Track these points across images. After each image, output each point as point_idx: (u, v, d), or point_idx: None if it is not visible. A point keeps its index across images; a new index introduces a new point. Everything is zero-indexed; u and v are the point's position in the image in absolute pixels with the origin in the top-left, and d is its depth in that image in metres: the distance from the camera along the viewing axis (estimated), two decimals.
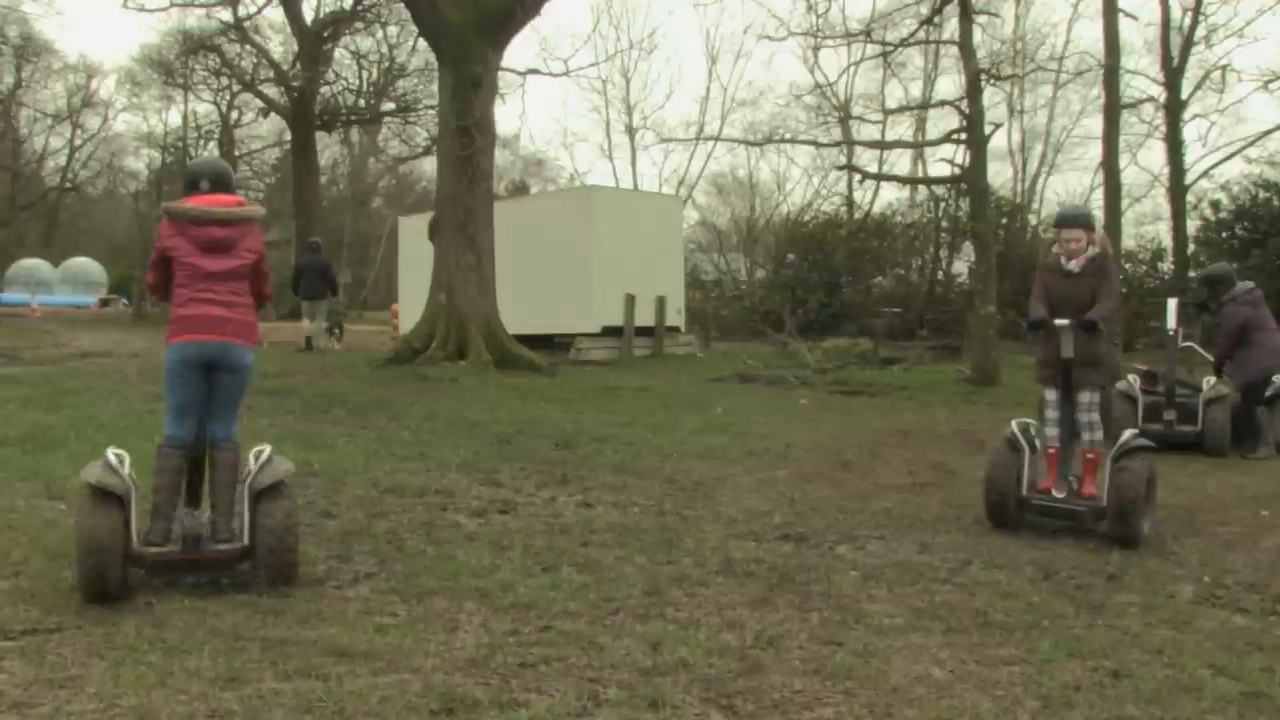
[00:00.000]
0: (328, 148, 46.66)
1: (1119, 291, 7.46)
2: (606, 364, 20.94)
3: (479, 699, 3.88)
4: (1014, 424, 7.32)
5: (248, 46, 38.73)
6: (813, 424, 12.73)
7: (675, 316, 24.26)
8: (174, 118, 56.96)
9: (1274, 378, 10.85)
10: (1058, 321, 7.08)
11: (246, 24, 37.42)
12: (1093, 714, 3.93)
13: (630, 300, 22.09)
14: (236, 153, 47.29)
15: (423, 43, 28.70)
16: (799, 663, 4.39)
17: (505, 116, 46.22)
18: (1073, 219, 7.24)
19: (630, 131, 48.90)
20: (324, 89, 39.34)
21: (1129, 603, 5.40)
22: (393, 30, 38.47)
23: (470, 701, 3.86)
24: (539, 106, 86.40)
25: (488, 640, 4.54)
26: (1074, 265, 7.13)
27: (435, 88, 24.48)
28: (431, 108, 36.24)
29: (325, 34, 37.81)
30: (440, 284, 18.68)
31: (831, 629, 4.85)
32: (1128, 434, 7.12)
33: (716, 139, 39.98)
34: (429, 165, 44.02)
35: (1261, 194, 25.90)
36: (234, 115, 47.24)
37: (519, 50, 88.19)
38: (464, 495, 7.65)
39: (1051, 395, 7.28)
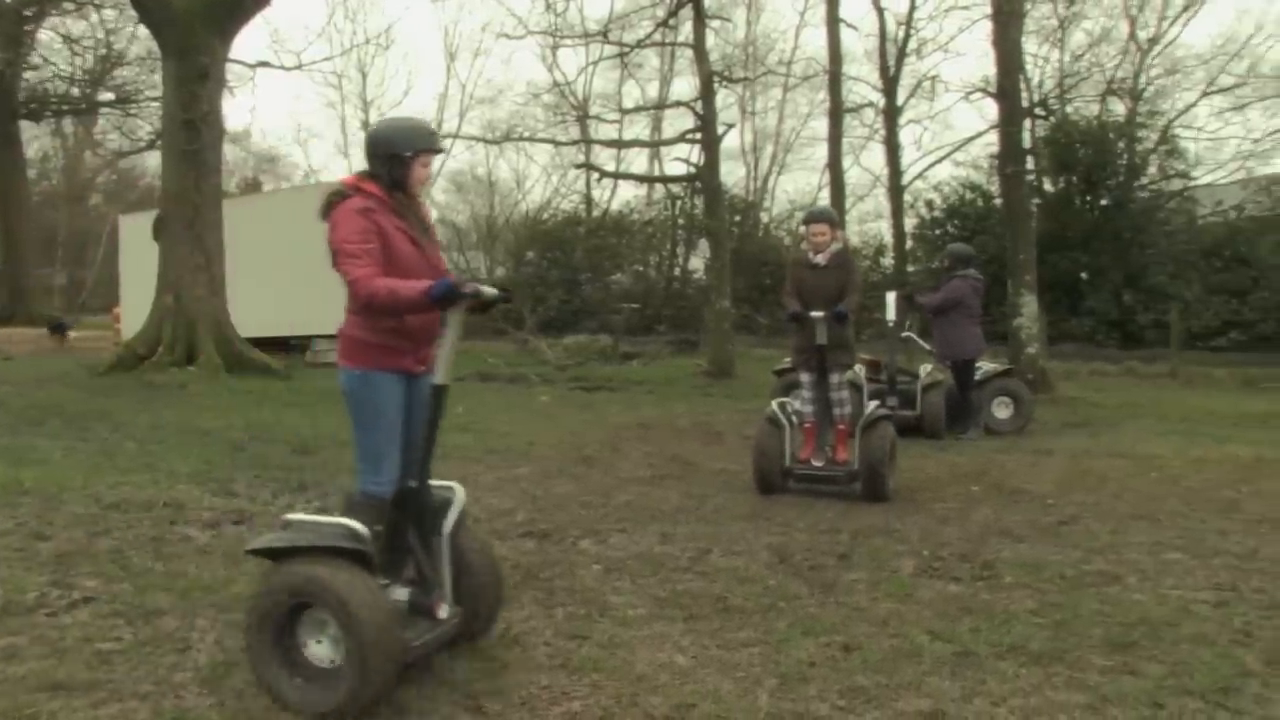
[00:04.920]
0: (36, 139, 43.22)
1: (862, 284, 8.60)
2: None
3: None
4: (774, 403, 8.31)
5: None
6: (554, 421, 12.82)
7: None
8: None
9: (979, 364, 11.90)
10: (813, 314, 7.93)
11: None
12: (826, 687, 4.13)
13: None
14: None
15: (144, 29, 27.05)
16: (545, 659, 4.42)
17: (235, 110, 44.22)
18: (818, 215, 8.28)
19: (367, 128, 47.67)
20: (28, 74, 36.47)
21: (858, 580, 5.70)
22: (110, 14, 35.94)
23: None
24: (271, 101, 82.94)
25: (223, 658, 4.34)
26: (820, 259, 8.04)
27: (159, 78, 23.23)
28: (155, 99, 34.26)
29: (28, 14, 34.95)
30: (166, 285, 17.77)
31: (576, 623, 4.90)
32: (872, 405, 8.28)
33: (455, 136, 39.36)
34: (153, 160, 41.62)
35: (967, 195, 27.94)
36: None
37: (249, 41, 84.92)
38: (195, 507, 7.28)
39: (807, 377, 8.21)
